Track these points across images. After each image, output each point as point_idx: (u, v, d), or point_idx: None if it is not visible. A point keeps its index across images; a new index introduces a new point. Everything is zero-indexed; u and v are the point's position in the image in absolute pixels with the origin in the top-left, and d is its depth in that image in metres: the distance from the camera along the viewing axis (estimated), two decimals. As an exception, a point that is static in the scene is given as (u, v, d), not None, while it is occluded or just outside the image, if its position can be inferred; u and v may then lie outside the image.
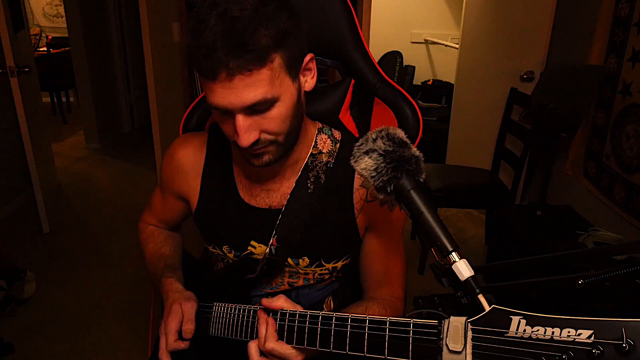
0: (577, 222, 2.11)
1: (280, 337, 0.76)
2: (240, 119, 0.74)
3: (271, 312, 0.78)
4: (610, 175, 2.08)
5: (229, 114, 0.74)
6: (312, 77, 0.82)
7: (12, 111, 2.68)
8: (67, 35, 4.30)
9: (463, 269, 0.56)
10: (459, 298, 0.56)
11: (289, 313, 0.75)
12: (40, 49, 5.35)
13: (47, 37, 5.87)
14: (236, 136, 0.75)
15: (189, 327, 0.86)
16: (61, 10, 5.57)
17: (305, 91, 0.82)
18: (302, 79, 0.80)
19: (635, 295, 1.54)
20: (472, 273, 0.56)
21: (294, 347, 0.75)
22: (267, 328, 0.76)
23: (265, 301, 0.78)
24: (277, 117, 0.76)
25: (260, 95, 0.71)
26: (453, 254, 0.57)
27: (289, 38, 0.73)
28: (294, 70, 0.76)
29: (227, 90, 0.71)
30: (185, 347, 0.86)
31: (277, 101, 0.74)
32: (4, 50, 2.48)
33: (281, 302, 0.77)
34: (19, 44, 2.71)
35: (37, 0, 6.01)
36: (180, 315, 0.87)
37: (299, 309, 0.76)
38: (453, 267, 0.57)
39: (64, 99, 5.61)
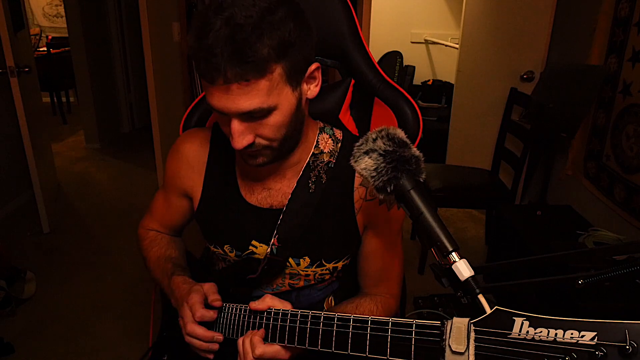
0: (577, 222, 2.11)
1: (272, 337, 0.77)
2: (236, 124, 0.74)
3: (259, 314, 0.79)
4: (610, 176, 2.08)
5: (227, 115, 0.75)
6: (316, 86, 0.82)
7: (12, 111, 2.67)
8: (67, 35, 4.30)
9: (463, 269, 0.56)
10: (459, 298, 0.56)
11: (282, 312, 0.76)
12: (40, 49, 5.34)
13: (47, 37, 5.87)
14: (231, 138, 0.76)
15: (217, 297, 0.86)
16: (61, 10, 5.57)
17: (307, 98, 0.82)
18: (305, 87, 0.79)
19: (635, 295, 1.54)
20: (472, 273, 0.56)
21: (282, 346, 0.76)
22: (251, 338, 0.77)
23: (253, 304, 0.79)
24: (273, 125, 0.76)
25: (256, 104, 0.71)
26: (453, 254, 0.57)
27: (292, 48, 0.72)
28: (295, 79, 0.76)
29: (224, 96, 0.71)
30: (213, 317, 0.84)
31: (274, 110, 0.74)
32: (4, 50, 2.48)
33: (268, 301, 0.78)
34: (19, 44, 2.70)
35: (37, 0, 6.01)
36: (202, 292, 0.87)
37: (287, 306, 0.77)
38: (453, 267, 0.57)
39: (64, 99, 5.60)
